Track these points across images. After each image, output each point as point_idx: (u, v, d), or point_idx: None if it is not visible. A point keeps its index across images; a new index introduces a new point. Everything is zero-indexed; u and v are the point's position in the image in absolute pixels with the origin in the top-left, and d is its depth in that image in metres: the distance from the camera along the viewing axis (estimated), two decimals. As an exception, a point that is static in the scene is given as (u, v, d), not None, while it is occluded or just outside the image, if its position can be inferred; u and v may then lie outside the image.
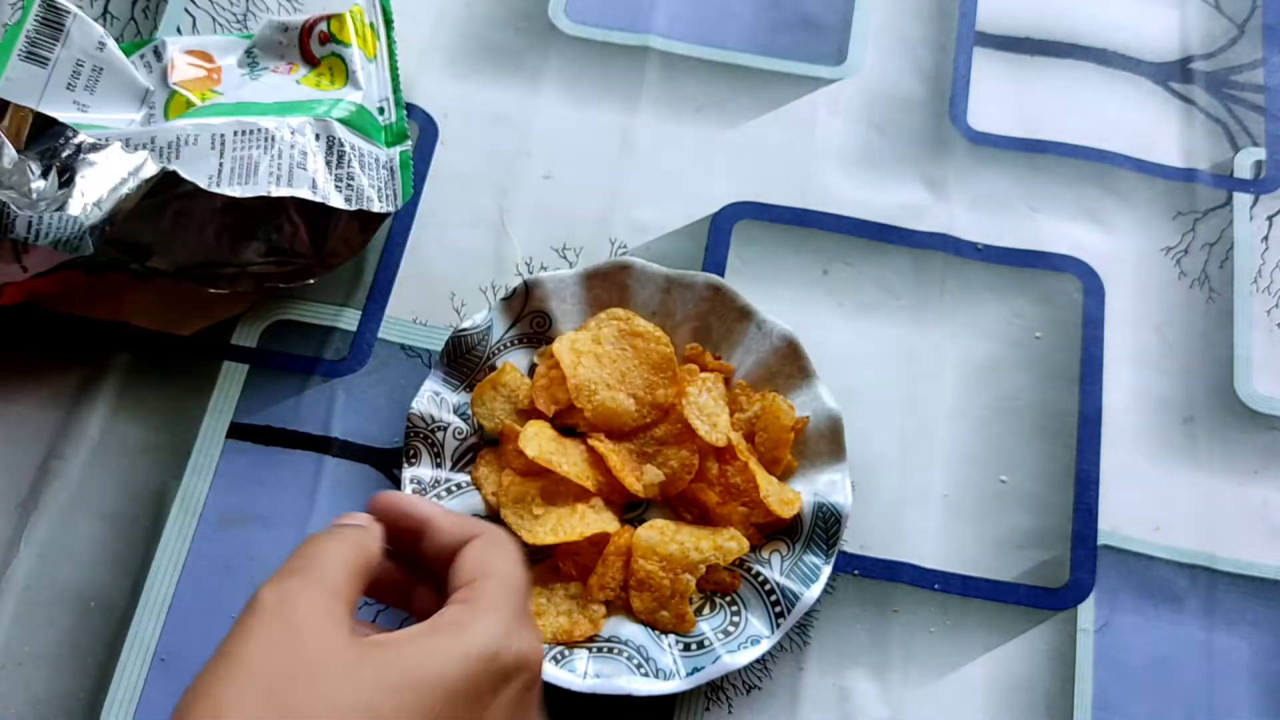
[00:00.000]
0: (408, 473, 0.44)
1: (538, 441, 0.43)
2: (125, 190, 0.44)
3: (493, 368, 0.47)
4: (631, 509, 0.45)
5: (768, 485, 0.43)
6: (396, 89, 0.51)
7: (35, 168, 0.45)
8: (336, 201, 0.46)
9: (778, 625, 0.42)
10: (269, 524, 0.46)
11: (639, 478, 0.44)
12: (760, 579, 0.43)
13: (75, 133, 0.45)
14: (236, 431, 0.47)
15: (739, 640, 0.42)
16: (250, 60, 0.52)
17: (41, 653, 0.44)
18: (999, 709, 0.43)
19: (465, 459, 0.46)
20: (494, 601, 0.31)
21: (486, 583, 0.32)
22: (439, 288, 0.50)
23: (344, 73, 0.51)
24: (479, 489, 0.45)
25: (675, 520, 0.44)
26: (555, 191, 0.52)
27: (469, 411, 0.46)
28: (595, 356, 0.45)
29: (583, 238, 0.51)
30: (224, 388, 0.48)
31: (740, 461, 0.44)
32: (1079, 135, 0.53)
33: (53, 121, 0.46)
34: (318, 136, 0.47)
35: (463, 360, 0.46)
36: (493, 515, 0.44)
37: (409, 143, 0.50)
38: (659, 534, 0.43)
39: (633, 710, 0.42)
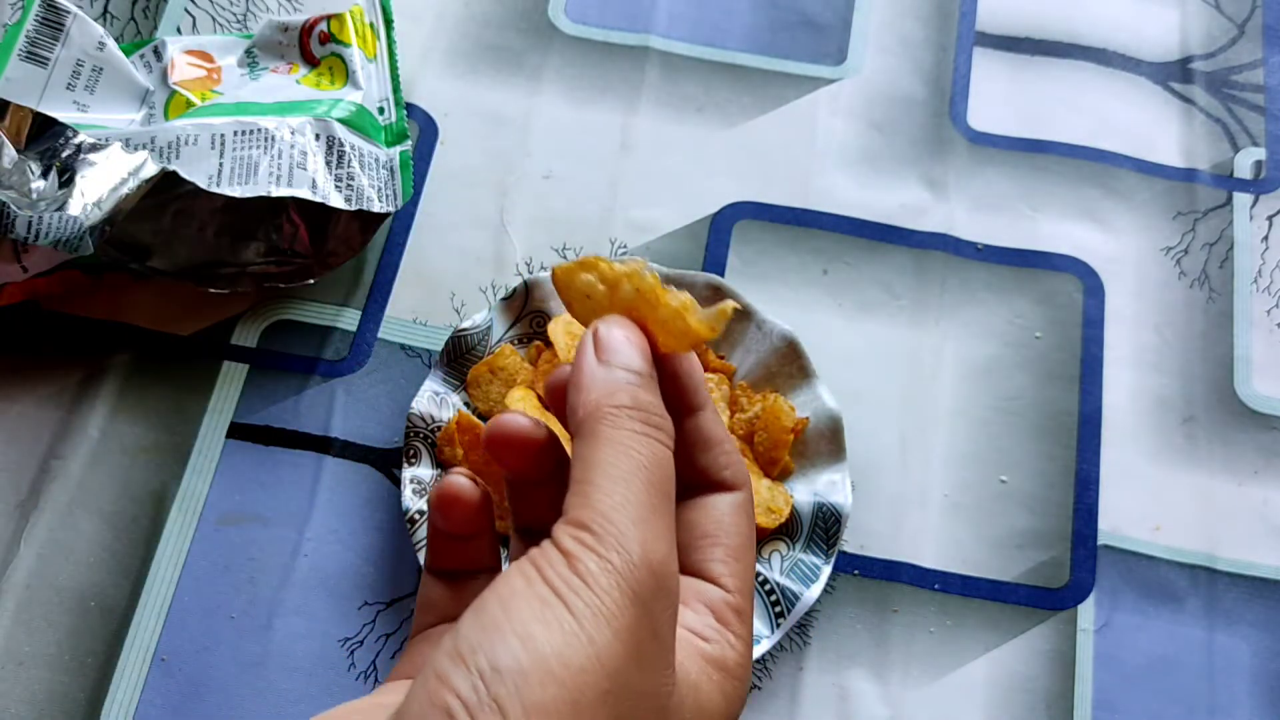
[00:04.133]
0: (408, 473, 0.44)
1: (523, 405, 0.43)
2: (125, 190, 0.44)
3: (493, 368, 0.47)
4: None
5: (756, 494, 0.43)
6: (396, 89, 0.51)
7: (35, 168, 0.45)
8: (336, 201, 0.46)
9: (778, 625, 0.42)
10: (269, 524, 0.46)
11: None
12: (760, 579, 0.43)
13: (75, 133, 0.45)
14: (236, 431, 0.47)
15: (739, 640, 0.42)
16: (250, 60, 0.52)
17: (41, 653, 0.44)
18: (999, 709, 0.43)
19: (465, 459, 0.46)
20: None
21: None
22: (439, 288, 0.50)
23: (344, 73, 0.51)
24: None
25: None
26: (555, 191, 0.52)
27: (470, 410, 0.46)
28: None
29: (583, 238, 0.51)
30: (224, 388, 0.48)
31: None
32: (1079, 135, 0.53)
33: (53, 121, 0.46)
34: (318, 136, 0.47)
35: (463, 360, 0.46)
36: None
37: (409, 143, 0.50)
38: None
39: (633, 710, 0.42)
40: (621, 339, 0.27)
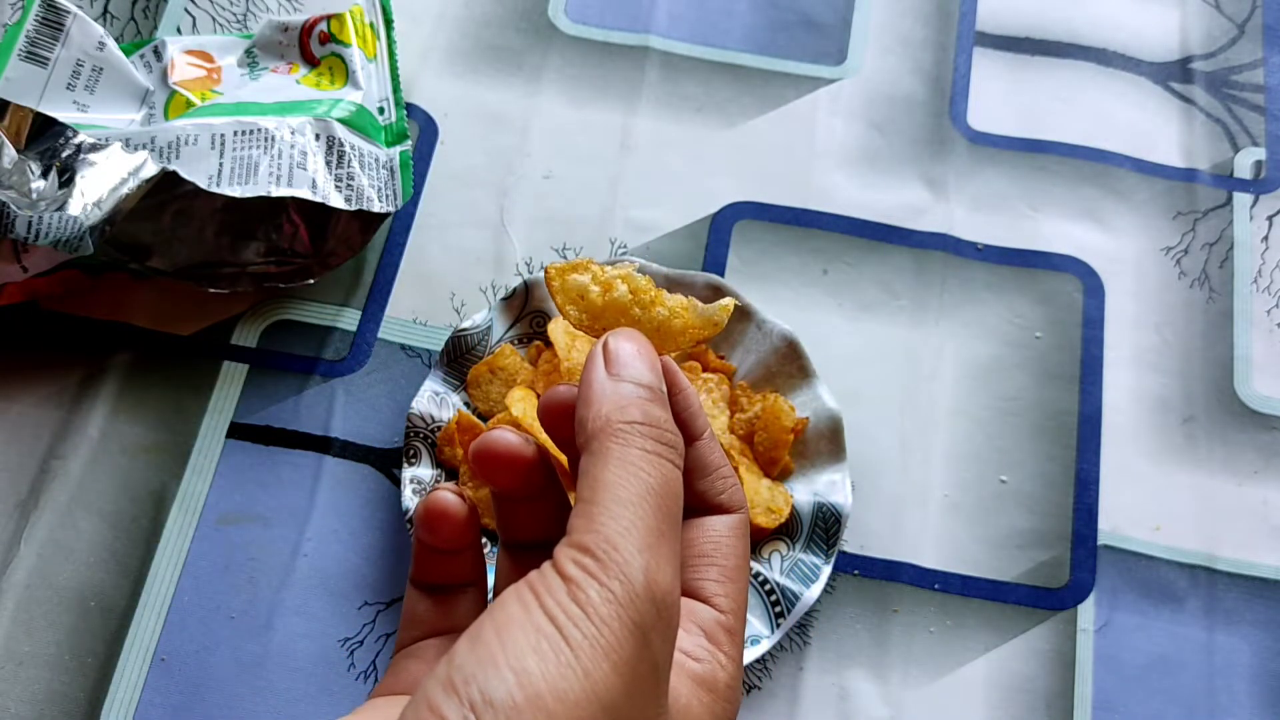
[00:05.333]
0: (408, 473, 0.44)
1: (524, 405, 0.43)
2: (125, 190, 0.44)
3: (493, 368, 0.47)
4: None
5: (756, 494, 0.43)
6: (396, 89, 0.51)
7: (35, 168, 0.45)
8: (336, 201, 0.46)
9: (778, 625, 0.42)
10: (269, 524, 0.46)
11: None
12: (760, 579, 0.43)
13: (75, 133, 0.45)
14: (236, 431, 0.47)
15: (739, 640, 0.42)
16: (250, 60, 0.52)
17: (41, 653, 0.44)
18: (999, 709, 0.43)
19: (465, 459, 0.46)
20: None
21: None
22: (439, 288, 0.50)
23: (344, 73, 0.51)
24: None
25: None
26: (555, 191, 0.52)
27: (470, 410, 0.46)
28: (590, 342, 0.45)
29: (583, 238, 0.51)
30: (224, 388, 0.48)
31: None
32: (1079, 135, 0.53)
33: (53, 121, 0.46)
34: (318, 136, 0.47)
35: (463, 360, 0.46)
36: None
37: (409, 143, 0.50)
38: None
39: (633, 710, 0.42)
40: (632, 352, 0.26)
